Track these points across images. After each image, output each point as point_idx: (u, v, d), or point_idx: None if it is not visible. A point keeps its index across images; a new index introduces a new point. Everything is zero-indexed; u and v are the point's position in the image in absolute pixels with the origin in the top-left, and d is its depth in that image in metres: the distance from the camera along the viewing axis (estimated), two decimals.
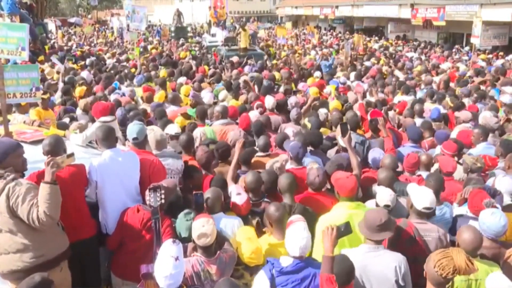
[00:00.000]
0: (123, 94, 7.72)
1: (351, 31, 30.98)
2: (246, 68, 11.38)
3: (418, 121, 6.53)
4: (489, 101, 7.89)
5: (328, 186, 4.07)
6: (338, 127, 5.02)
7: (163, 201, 3.09)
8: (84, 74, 9.50)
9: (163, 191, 3.11)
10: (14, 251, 2.97)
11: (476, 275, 2.85)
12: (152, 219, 3.06)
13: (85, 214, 3.58)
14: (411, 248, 3.12)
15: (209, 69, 11.26)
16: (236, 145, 4.42)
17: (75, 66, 11.89)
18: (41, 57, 12.59)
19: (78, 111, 6.87)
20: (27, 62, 6.46)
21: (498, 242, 3.24)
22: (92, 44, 21.21)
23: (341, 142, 4.92)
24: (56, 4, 50.55)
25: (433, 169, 4.66)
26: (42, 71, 10.63)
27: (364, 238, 3.29)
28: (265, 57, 14.91)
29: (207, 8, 29.29)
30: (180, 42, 20.23)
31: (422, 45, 21.46)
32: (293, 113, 6.33)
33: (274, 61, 14.81)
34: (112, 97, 7.41)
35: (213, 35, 20.84)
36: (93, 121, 5.39)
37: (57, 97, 7.99)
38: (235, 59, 12.57)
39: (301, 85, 9.38)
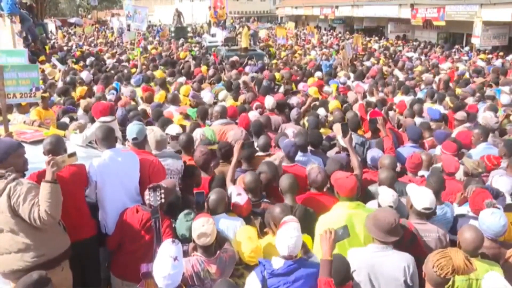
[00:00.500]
0: (120, 96, 7.69)
1: (351, 31, 30.99)
2: (247, 68, 11.38)
3: (418, 120, 6.54)
4: (487, 101, 7.88)
5: (328, 185, 4.07)
6: (338, 126, 5.02)
7: (163, 200, 3.10)
8: (84, 74, 9.50)
9: (163, 191, 3.11)
10: (15, 250, 2.98)
11: (477, 275, 2.85)
12: (152, 218, 3.06)
13: (85, 214, 3.58)
14: (412, 249, 3.12)
15: (209, 69, 11.25)
16: (235, 146, 4.42)
17: (76, 66, 11.88)
18: (42, 57, 12.60)
19: (79, 112, 6.87)
20: (28, 62, 6.49)
21: (498, 242, 3.24)
22: (92, 44, 21.21)
23: (341, 142, 4.93)
24: (56, 4, 50.53)
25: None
26: (43, 71, 10.64)
27: (364, 239, 3.30)
28: (266, 57, 14.90)
29: (207, 8, 29.29)
30: (180, 42, 20.23)
31: (422, 45, 21.46)
32: (293, 113, 6.33)
33: (274, 61, 14.82)
34: (108, 98, 7.40)
35: (213, 35, 20.83)
36: (92, 121, 5.39)
37: (56, 97, 7.99)
38: (235, 59, 12.57)
39: (301, 85, 9.38)
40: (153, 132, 4.34)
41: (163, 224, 3.26)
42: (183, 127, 5.80)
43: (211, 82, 9.82)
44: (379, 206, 3.64)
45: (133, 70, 11.56)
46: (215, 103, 7.37)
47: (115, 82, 9.07)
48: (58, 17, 40.81)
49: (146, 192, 3.16)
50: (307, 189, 4.10)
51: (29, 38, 13.55)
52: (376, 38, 26.45)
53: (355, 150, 4.62)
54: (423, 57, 16.52)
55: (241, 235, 3.25)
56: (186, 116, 6.44)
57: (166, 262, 2.46)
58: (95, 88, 8.62)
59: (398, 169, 4.67)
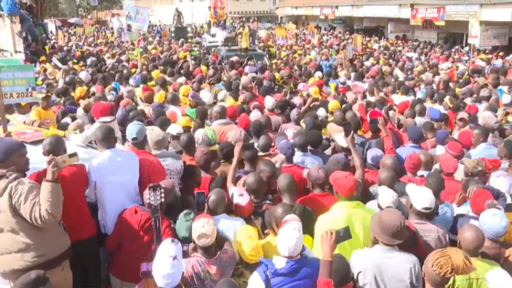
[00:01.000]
0: (120, 96, 7.69)
1: (351, 31, 30.99)
2: (247, 68, 11.38)
3: (419, 120, 6.53)
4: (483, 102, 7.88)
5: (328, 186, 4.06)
6: (333, 126, 5.02)
7: (163, 200, 3.10)
8: (82, 74, 9.49)
9: (162, 190, 3.11)
10: (16, 250, 2.98)
11: (477, 274, 2.85)
12: (152, 218, 3.06)
13: (85, 214, 3.59)
14: (413, 249, 3.11)
15: (208, 69, 11.24)
16: (235, 148, 4.41)
17: (76, 66, 11.88)
18: (43, 57, 12.60)
19: (79, 111, 6.87)
20: (26, 62, 6.50)
21: (498, 242, 3.23)
22: (92, 44, 21.21)
23: (339, 142, 4.93)
24: (56, 4, 50.50)
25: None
26: (45, 70, 10.64)
27: (364, 239, 3.29)
28: (266, 57, 14.89)
29: (207, 8, 29.28)
30: (180, 42, 20.23)
31: (422, 45, 21.46)
32: (294, 113, 6.34)
33: (275, 61, 14.81)
34: (108, 98, 7.41)
35: (213, 35, 20.81)
36: (92, 121, 5.39)
37: (55, 97, 7.99)
38: (234, 59, 12.56)
39: (301, 86, 9.37)
40: (153, 132, 4.34)
41: (162, 225, 3.25)
42: (188, 128, 5.78)
43: (210, 82, 9.81)
44: (379, 206, 3.64)
45: (133, 70, 11.57)
46: (214, 103, 7.37)
47: (114, 82, 9.08)
48: (58, 17, 40.79)
49: (146, 191, 3.16)
50: (307, 190, 4.10)
51: (29, 38, 13.54)
52: (376, 38, 26.44)
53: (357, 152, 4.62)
54: (423, 57, 16.52)
55: (241, 234, 3.25)
56: (189, 118, 6.43)
57: (166, 261, 2.46)
58: (94, 88, 8.61)
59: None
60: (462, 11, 18.91)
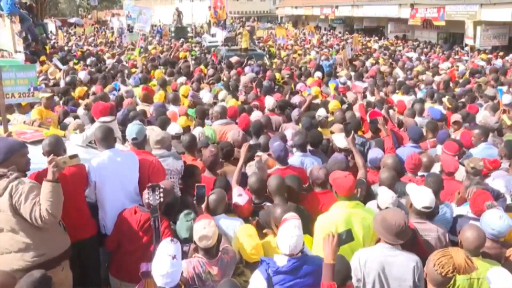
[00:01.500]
0: (121, 96, 7.70)
1: (351, 31, 30.98)
2: (246, 69, 11.37)
3: (418, 120, 6.54)
4: (485, 101, 7.88)
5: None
6: (337, 127, 5.01)
7: (162, 199, 3.09)
8: (82, 74, 9.49)
9: (161, 190, 3.10)
10: (15, 250, 2.98)
11: (478, 274, 2.85)
12: (151, 218, 3.06)
13: (85, 214, 3.59)
14: (412, 248, 3.12)
15: (208, 69, 11.24)
16: (242, 148, 4.40)
17: (76, 66, 11.87)
18: (43, 57, 12.59)
19: (80, 111, 6.87)
20: (26, 62, 6.50)
21: (499, 242, 3.23)
22: (92, 44, 21.20)
23: (337, 142, 4.92)
24: (56, 4, 50.48)
25: (434, 169, 4.66)
26: (45, 70, 10.64)
27: (363, 239, 3.29)
28: (266, 57, 14.88)
29: (207, 8, 29.26)
30: (180, 42, 20.24)
31: (422, 45, 21.45)
32: (294, 113, 6.33)
33: (275, 60, 14.81)
34: (111, 98, 7.41)
35: (213, 35, 20.81)
36: (92, 121, 5.39)
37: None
38: (234, 59, 12.55)
39: (299, 85, 9.36)
40: (153, 132, 4.34)
41: (161, 225, 3.24)
42: (188, 128, 5.78)
43: (209, 82, 9.80)
44: (378, 207, 3.64)
45: (133, 70, 11.56)
46: (214, 103, 7.37)
47: (114, 82, 9.07)
48: (58, 17, 40.77)
49: (145, 191, 3.15)
50: (306, 189, 4.10)
51: (29, 38, 13.53)
52: (376, 38, 26.44)
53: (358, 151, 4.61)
54: (423, 57, 16.51)
55: (241, 232, 3.26)
56: (189, 117, 6.44)
57: (165, 260, 2.46)
58: (94, 88, 8.60)
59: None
60: (462, 11, 18.91)
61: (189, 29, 29.88)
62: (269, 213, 3.37)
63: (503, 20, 16.63)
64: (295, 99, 7.54)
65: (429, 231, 3.34)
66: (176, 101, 7.21)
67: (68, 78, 9.05)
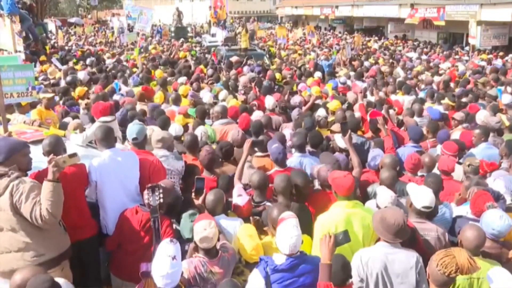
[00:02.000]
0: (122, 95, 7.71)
1: (351, 31, 30.98)
2: (245, 69, 11.37)
3: (418, 120, 6.54)
4: (488, 101, 7.89)
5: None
6: (336, 126, 5.01)
7: (161, 200, 3.09)
8: (81, 74, 9.49)
9: (161, 190, 3.10)
10: (15, 249, 2.98)
11: (478, 274, 2.85)
12: (151, 218, 3.06)
13: (86, 214, 3.59)
14: (412, 247, 3.11)
15: (207, 69, 11.24)
16: (245, 144, 4.41)
17: (76, 66, 11.87)
18: (43, 57, 12.59)
19: (80, 111, 6.87)
20: (26, 62, 6.50)
21: (499, 242, 3.23)
22: (93, 44, 21.20)
23: (339, 143, 4.93)
24: (56, 4, 50.45)
25: (435, 169, 4.66)
26: (45, 70, 10.64)
27: (363, 238, 3.29)
28: (266, 57, 14.88)
29: (207, 8, 29.28)
30: (180, 42, 20.24)
31: (422, 45, 21.45)
32: (294, 113, 6.33)
33: (275, 60, 14.80)
34: (116, 97, 7.42)
35: (213, 35, 20.81)
36: (92, 121, 5.39)
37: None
38: (233, 59, 12.55)
39: (300, 86, 9.35)
40: (154, 132, 4.34)
41: (162, 224, 3.26)
42: (186, 125, 5.79)
43: (208, 82, 9.80)
44: (377, 206, 3.64)
45: (134, 70, 11.56)
46: (215, 103, 7.36)
47: (114, 82, 9.07)
48: (58, 17, 40.75)
49: (145, 192, 3.15)
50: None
51: (30, 37, 13.55)
52: (376, 38, 26.44)
53: (354, 150, 4.62)
54: (424, 57, 16.51)
55: (242, 232, 3.26)
56: (187, 116, 6.43)
57: (165, 261, 2.46)
58: (93, 88, 8.60)
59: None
60: (462, 11, 18.91)
61: (189, 29, 29.89)
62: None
63: (503, 20, 16.62)
64: (295, 99, 7.54)
65: (429, 230, 3.34)
66: (177, 100, 7.20)
67: (68, 78, 9.05)
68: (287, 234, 2.78)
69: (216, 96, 7.96)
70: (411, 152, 4.79)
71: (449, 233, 3.56)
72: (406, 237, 2.96)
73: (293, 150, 4.89)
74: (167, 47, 18.76)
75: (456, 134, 5.81)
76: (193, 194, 3.79)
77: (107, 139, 3.73)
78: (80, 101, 7.60)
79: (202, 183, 3.65)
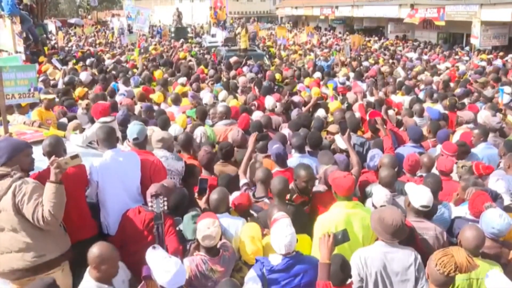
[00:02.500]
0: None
1: (351, 31, 30.97)
2: (245, 69, 11.37)
3: (418, 121, 6.54)
4: (483, 102, 7.88)
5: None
6: (334, 126, 5.01)
7: (165, 207, 3.10)
8: (83, 75, 9.50)
9: (165, 198, 3.11)
10: (16, 250, 2.98)
11: (477, 274, 2.86)
12: (154, 224, 3.07)
13: (86, 214, 3.59)
14: (410, 246, 3.12)
15: (208, 70, 11.25)
16: (250, 138, 4.46)
17: (76, 67, 11.88)
18: (41, 58, 12.60)
19: (78, 111, 6.87)
20: (26, 63, 6.50)
21: (498, 242, 3.24)
22: (93, 45, 21.20)
23: (339, 143, 4.93)
24: (56, 5, 50.51)
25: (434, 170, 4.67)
26: (45, 71, 10.64)
27: (363, 239, 3.29)
28: (266, 57, 14.88)
29: (207, 9, 29.31)
30: (180, 42, 20.25)
31: (422, 45, 21.46)
32: (294, 114, 6.33)
33: (275, 60, 14.80)
34: (118, 98, 7.43)
35: (213, 36, 20.83)
36: (92, 121, 5.40)
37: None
38: (233, 59, 12.56)
39: (299, 86, 9.35)
40: (154, 132, 4.35)
41: (165, 223, 3.28)
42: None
43: (209, 82, 9.80)
44: (373, 205, 3.64)
45: (134, 70, 11.56)
46: (215, 104, 7.37)
47: (113, 83, 9.07)
48: (58, 17, 40.78)
49: (148, 199, 3.17)
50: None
51: (30, 38, 13.56)
52: (376, 38, 26.44)
53: (354, 150, 4.63)
54: (425, 57, 16.51)
55: (245, 233, 3.28)
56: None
57: (165, 263, 2.49)
58: (94, 89, 8.60)
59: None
60: (462, 11, 18.91)
61: (189, 29, 29.89)
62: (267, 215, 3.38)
63: (503, 20, 16.62)
64: (295, 99, 7.55)
65: (427, 229, 3.35)
66: (176, 101, 7.22)
67: (66, 79, 9.05)
68: (281, 233, 2.81)
69: (216, 97, 7.97)
70: (410, 152, 4.80)
71: (448, 234, 3.56)
72: (404, 237, 2.97)
73: (293, 150, 4.90)
74: (167, 47, 18.76)
75: (457, 134, 5.81)
76: (196, 194, 3.81)
77: (109, 139, 3.73)
78: (80, 101, 7.61)
79: (206, 183, 3.69)
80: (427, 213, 3.41)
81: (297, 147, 4.78)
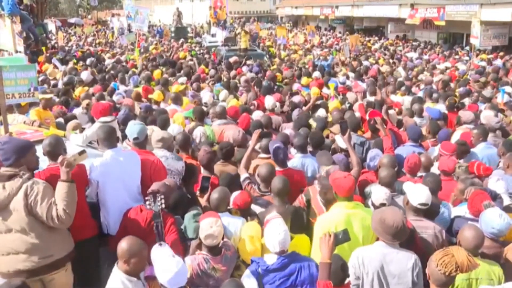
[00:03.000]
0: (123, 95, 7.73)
1: (351, 31, 30.96)
2: (244, 68, 11.37)
3: (418, 121, 6.54)
4: (482, 102, 7.89)
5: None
6: (336, 126, 5.01)
7: (163, 205, 3.10)
8: (84, 75, 9.50)
9: (162, 196, 3.11)
10: (23, 251, 2.98)
11: (476, 274, 2.87)
12: (154, 223, 3.06)
13: (86, 214, 3.59)
14: (410, 246, 3.12)
15: (209, 69, 11.25)
16: (253, 135, 4.51)
17: (76, 66, 11.88)
18: (40, 57, 12.59)
19: (78, 111, 6.87)
20: (27, 62, 6.49)
21: (498, 241, 3.24)
22: (93, 45, 21.19)
23: (340, 142, 4.93)
24: (56, 4, 50.48)
25: (434, 169, 4.67)
26: (45, 70, 10.64)
27: (363, 239, 3.29)
28: (266, 57, 14.88)
29: (207, 8, 29.28)
30: (180, 42, 20.24)
31: (422, 45, 21.45)
32: (295, 113, 6.33)
33: (275, 60, 14.80)
34: (115, 98, 7.43)
35: (213, 35, 20.82)
36: (92, 121, 5.40)
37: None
38: (232, 59, 12.56)
39: (296, 86, 9.34)
40: (153, 131, 4.36)
41: (166, 222, 3.29)
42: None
43: (209, 82, 9.80)
44: (372, 204, 3.65)
45: (134, 70, 11.56)
46: (215, 103, 7.37)
47: (113, 83, 9.07)
48: (58, 17, 40.76)
49: (146, 197, 3.15)
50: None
51: (31, 37, 13.56)
52: (376, 38, 26.43)
53: (354, 150, 4.63)
54: (425, 57, 16.50)
55: (245, 233, 3.30)
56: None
57: (168, 261, 2.49)
58: (91, 90, 8.59)
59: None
60: (462, 11, 18.89)
61: (189, 29, 29.88)
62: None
63: (503, 20, 16.61)
64: (295, 99, 7.55)
65: (426, 228, 3.35)
66: (177, 100, 7.22)
67: (65, 79, 9.05)
68: (274, 231, 2.83)
69: (216, 96, 7.97)
70: (410, 151, 4.80)
71: (448, 233, 3.56)
72: (405, 238, 2.96)
73: (294, 150, 4.89)
74: (168, 47, 18.76)
75: (457, 134, 5.81)
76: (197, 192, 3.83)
77: (110, 139, 3.74)
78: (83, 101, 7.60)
79: (207, 182, 3.73)
80: (428, 213, 3.40)
81: (299, 147, 4.78)
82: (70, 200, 2.99)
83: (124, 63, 13.35)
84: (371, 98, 7.86)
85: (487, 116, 6.11)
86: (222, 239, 3.10)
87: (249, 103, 7.43)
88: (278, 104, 6.91)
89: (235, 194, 3.70)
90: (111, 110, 5.03)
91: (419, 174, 4.47)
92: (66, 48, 17.66)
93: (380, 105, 6.72)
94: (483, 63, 13.72)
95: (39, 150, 3.50)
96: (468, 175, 4.36)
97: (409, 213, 3.43)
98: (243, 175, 4.18)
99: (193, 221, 3.37)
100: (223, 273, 2.98)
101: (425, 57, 16.53)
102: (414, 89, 9.70)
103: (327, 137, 5.74)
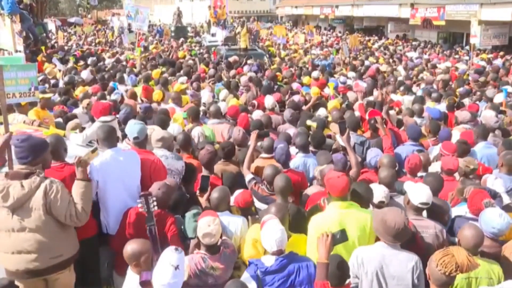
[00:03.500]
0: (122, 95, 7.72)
1: (351, 30, 30.97)
2: (245, 68, 11.37)
3: (418, 121, 6.54)
4: (486, 101, 7.90)
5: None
6: (336, 126, 5.01)
7: (156, 208, 3.09)
8: (84, 74, 9.50)
9: (154, 198, 3.11)
10: (34, 250, 2.98)
11: (476, 273, 2.86)
12: (147, 227, 3.04)
13: None
14: (410, 246, 3.12)
15: (209, 69, 11.25)
16: (252, 136, 4.51)
17: (76, 66, 11.87)
18: (39, 57, 12.58)
19: (78, 111, 6.86)
20: (27, 62, 6.48)
21: (498, 241, 3.24)
22: (93, 44, 21.18)
23: (340, 141, 4.93)
24: (56, 4, 50.42)
25: (433, 168, 4.66)
26: (44, 70, 10.63)
27: (359, 239, 3.29)
28: (266, 57, 14.87)
29: (207, 8, 29.25)
30: (180, 41, 20.22)
31: (422, 45, 21.45)
32: (287, 114, 6.33)
33: (276, 59, 14.80)
34: (113, 97, 7.42)
35: (213, 35, 20.80)
36: (92, 120, 5.39)
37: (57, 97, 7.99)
38: (232, 59, 12.55)
39: (295, 85, 9.34)
40: (154, 131, 4.36)
41: (167, 222, 3.30)
42: None
43: (210, 81, 9.80)
44: (371, 203, 3.64)
45: (133, 69, 11.55)
46: (216, 103, 7.36)
47: (112, 82, 9.06)
48: (58, 16, 40.72)
49: (138, 200, 3.13)
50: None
51: (30, 37, 13.55)
52: (376, 38, 26.43)
53: (353, 149, 4.63)
54: (426, 56, 16.50)
55: (249, 234, 3.31)
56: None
57: (167, 270, 2.43)
58: (92, 88, 8.59)
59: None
60: (462, 11, 18.91)
61: (189, 28, 29.87)
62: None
63: (503, 19, 16.62)
64: (295, 98, 7.54)
65: (427, 227, 3.34)
66: (178, 100, 7.22)
67: (66, 78, 9.04)
68: (271, 231, 2.82)
69: (216, 96, 7.97)
70: (410, 151, 4.79)
71: (449, 233, 3.56)
72: (406, 239, 2.95)
73: (296, 150, 4.89)
74: (167, 47, 18.75)
75: (456, 133, 5.81)
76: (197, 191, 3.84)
77: (109, 138, 3.73)
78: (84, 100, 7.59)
79: (207, 181, 3.73)
80: (436, 213, 3.39)
81: (301, 146, 4.79)
82: (87, 198, 3.07)
83: (124, 63, 13.35)
84: (370, 98, 7.87)
85: (486, 116, 6.11)
86: (221, 237, 3.09)
87: (248, 102, 7.42)
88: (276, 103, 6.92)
89: (237, 193, 3.70)
90: (111, 110, 5.02)
91: (419, 174, 4.47)
92: (66, 47, 17.64)
93: (380, 105, 6.71)
94: (483, 63, 13.72)
95: None
96: (475, 177, 4.35)
97: (409, 212, 3.42)
98: (248, 176, 4.19)
99: (192, 220, 3.37)
100: (222, 272, 2.98)
101: (425, 56, 16.53)
102: (414, 88, 9.70)
103: (329, 136, 5.74)
